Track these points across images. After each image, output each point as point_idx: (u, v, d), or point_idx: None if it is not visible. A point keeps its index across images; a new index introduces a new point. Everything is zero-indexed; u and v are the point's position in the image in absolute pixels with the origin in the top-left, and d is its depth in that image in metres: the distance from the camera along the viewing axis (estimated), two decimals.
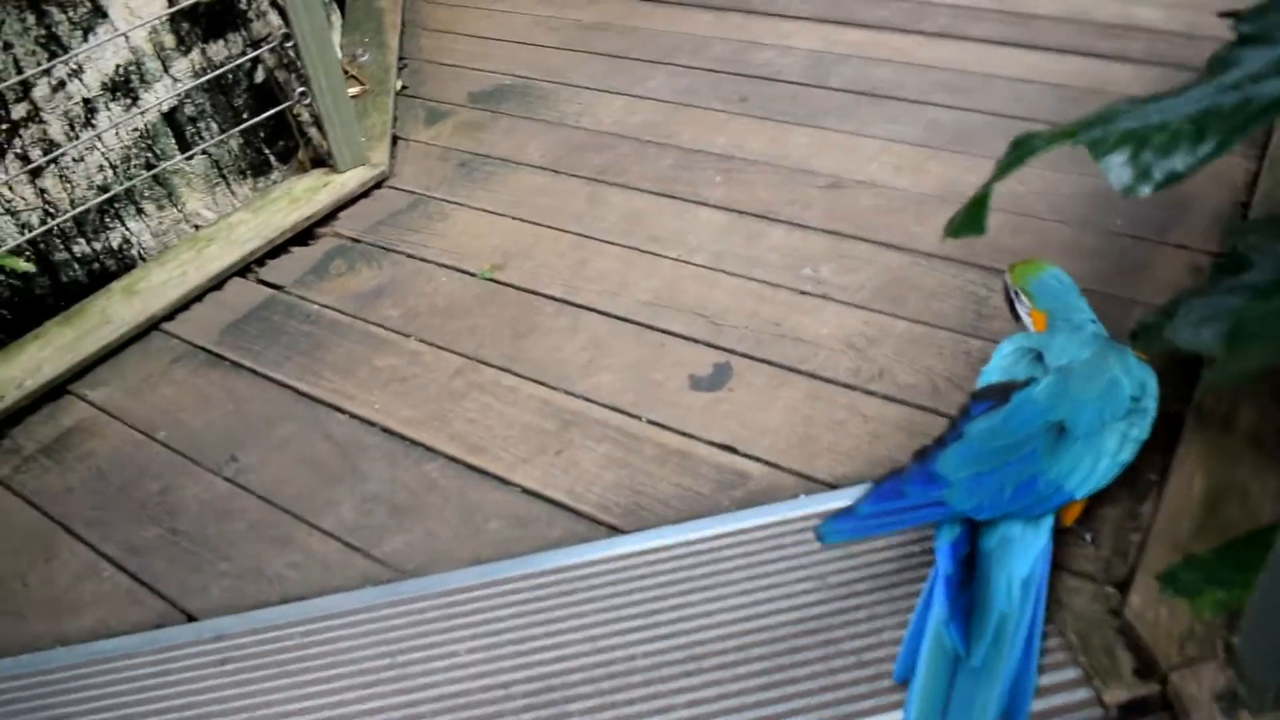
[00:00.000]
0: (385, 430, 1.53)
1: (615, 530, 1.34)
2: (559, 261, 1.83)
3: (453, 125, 2.33)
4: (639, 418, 1.49)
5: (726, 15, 2.63)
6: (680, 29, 2.60)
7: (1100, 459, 1.21)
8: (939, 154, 1.98)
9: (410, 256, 1.90)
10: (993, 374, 1.28)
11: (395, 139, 2.31)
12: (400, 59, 2.65)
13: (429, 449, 1.49)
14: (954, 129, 2.05)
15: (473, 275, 1.83)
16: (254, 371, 1.69)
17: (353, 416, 1.57)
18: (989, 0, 2.52)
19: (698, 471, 1.40)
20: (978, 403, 1.22)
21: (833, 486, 1.36)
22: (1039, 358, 1.27)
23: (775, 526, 1.30)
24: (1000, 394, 1.22)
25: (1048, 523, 1.18)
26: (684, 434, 1.46)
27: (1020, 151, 1.00)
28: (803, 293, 1.68)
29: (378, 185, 2.14)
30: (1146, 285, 1.60)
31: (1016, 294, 1.42)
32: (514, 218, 1.97)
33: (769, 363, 1.56)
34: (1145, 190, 0.90)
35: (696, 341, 1.61)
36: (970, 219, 1.05)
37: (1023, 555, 1.16)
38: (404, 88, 2.53)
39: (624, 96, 2.33)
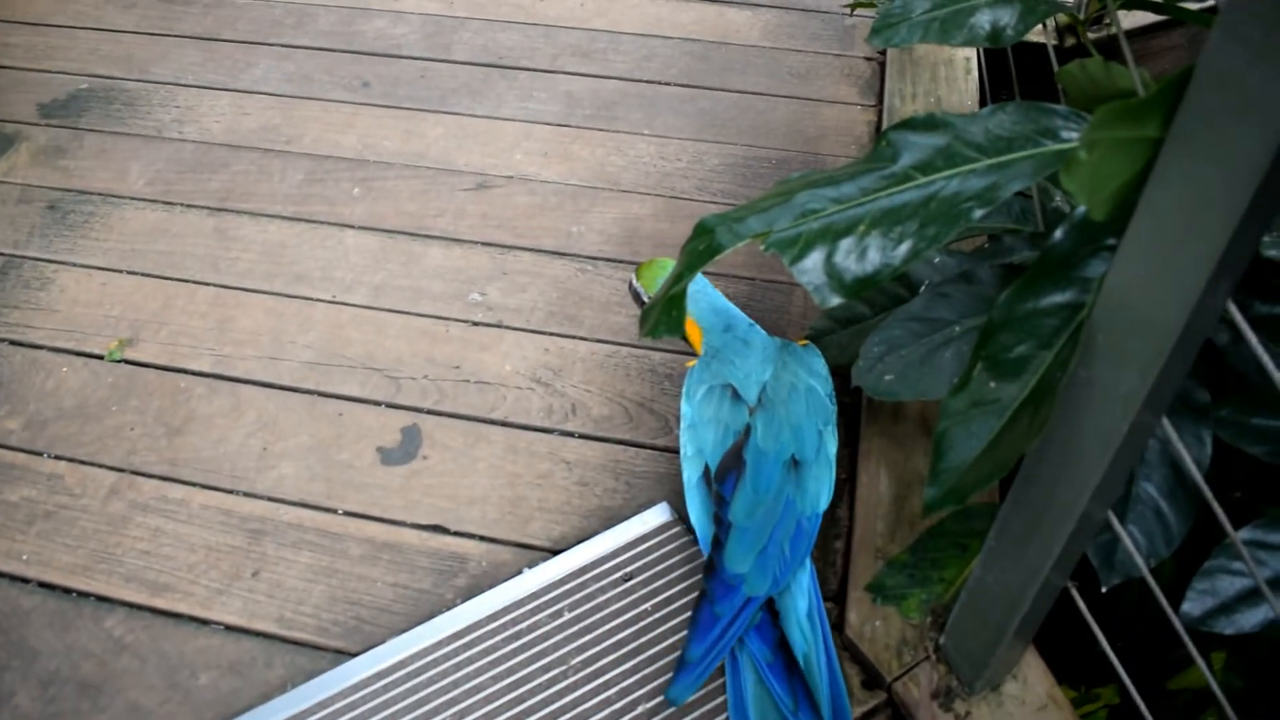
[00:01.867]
0: (44, 585, 1.33)
1: (341, 654, 1.25)
2: (199, 324, 1.64)
3: (27, 152, 1.99)
4: (335, 510, 1.39)
5: None
6: None
7: (831, 466, 1.26)
8: (581, 134, 1.94)
9: (15, 344, 1.63)
10: (704, 429, 1.28)
11: None
12: None
13: (103, 599, 1.32)
14: (591, 101, 2.01)
15: (100, 358, 1.60)
16: None
17: None
18: None
19: (413, 564, 1.33)
20: (723, 483, 1.22)
21: (553, 551, 1.34)
22: (735, 394, 1.29)
23: (506, 612, 1.27)
24: (734, 459, 1.23)
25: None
26: (388, 521, 1.38)
27: (709, 244, 0.97)
28: (475, 323, 1.61)
29: None
30: None
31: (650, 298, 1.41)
32: (133, 272, 1.73)
33: (458, 416, 1.49)
34: (835, 300, 0.91)
35: (376, 404, 1.51)
36: (668, 319, 1.02)
37: (799, 592, 1.21)
38: None
39: (228, 93, 2.09)
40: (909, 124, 1.03)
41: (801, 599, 1.20)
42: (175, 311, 1.66)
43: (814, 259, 0.94)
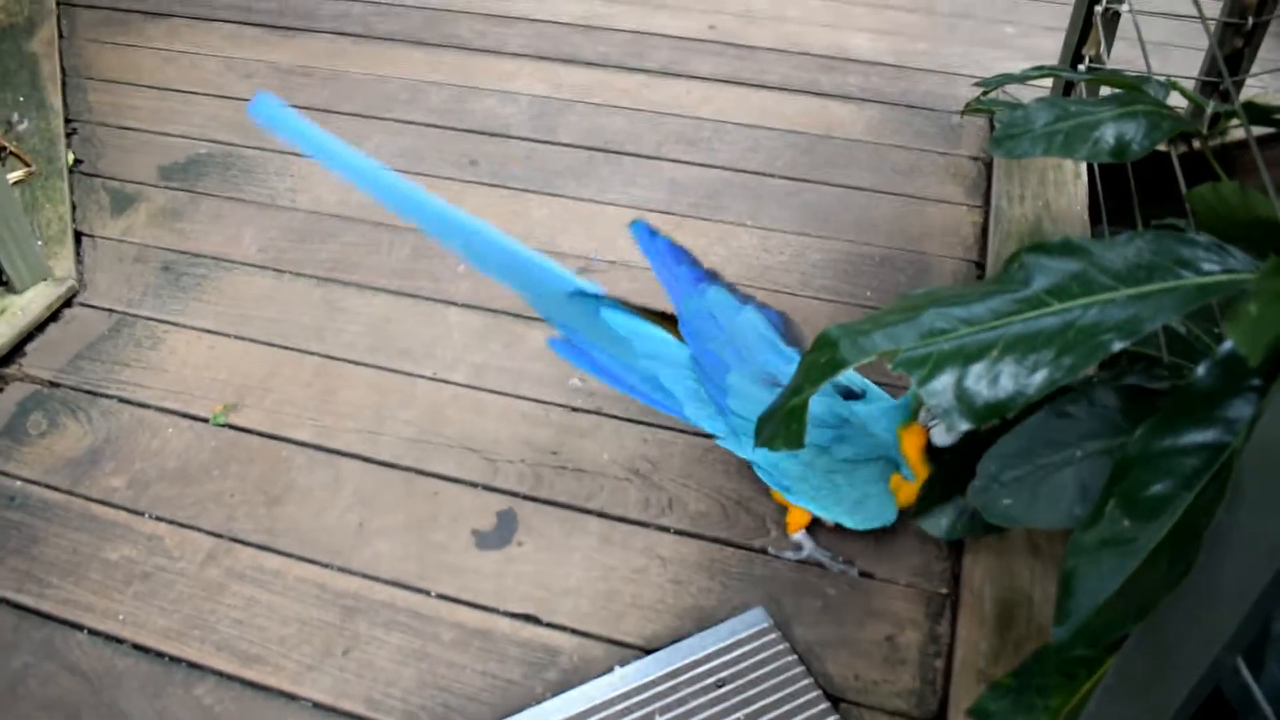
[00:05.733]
0: (138, 648, 1.34)
1: None
2: (303, 394, 1.66)
3: (146, 213, 2.05)
4: (427, 593, 1.39)
5: (440, 53, 2.47)
6: (391, 72, 2.41)
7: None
8: (686, 221, 1.95)
9: (125, 402, 1.67)
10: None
11: (79, 236, 2.01)
12: (68, 121, 2.31)
13: (195, 666, 1.32)
14: (696, 189, 2.02)
15: (204, 421, 1.62)
16: None
17: (95, 634, 1.36)
18: (707, 31, 2.50)
19: (504, 654, 1.32)
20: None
21: (645, 650, 1.31)
22: None
23: (596, 711, 1.25)
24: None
25: None
26: (480, 607, 1.37)
27: (832, 358, 0.96)
28: (575, 409, 1.61)
29: (67, 304, 1.85)
30: None
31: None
32: (240, 337, 1.77)
33: (555, 504, 1.48)
34: (964, 425, 0.89)
35: (473, 485, 1.51)
36: (788, 434, 1.01)
37: None
38: (78, 163, 2.21)
39: None
40: (1043, 248, 1.01)
41: None
42: (280, 379, 1.69)
43: (944, 381, 0.92)
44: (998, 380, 0.91)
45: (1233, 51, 1.92)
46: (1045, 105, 1.42)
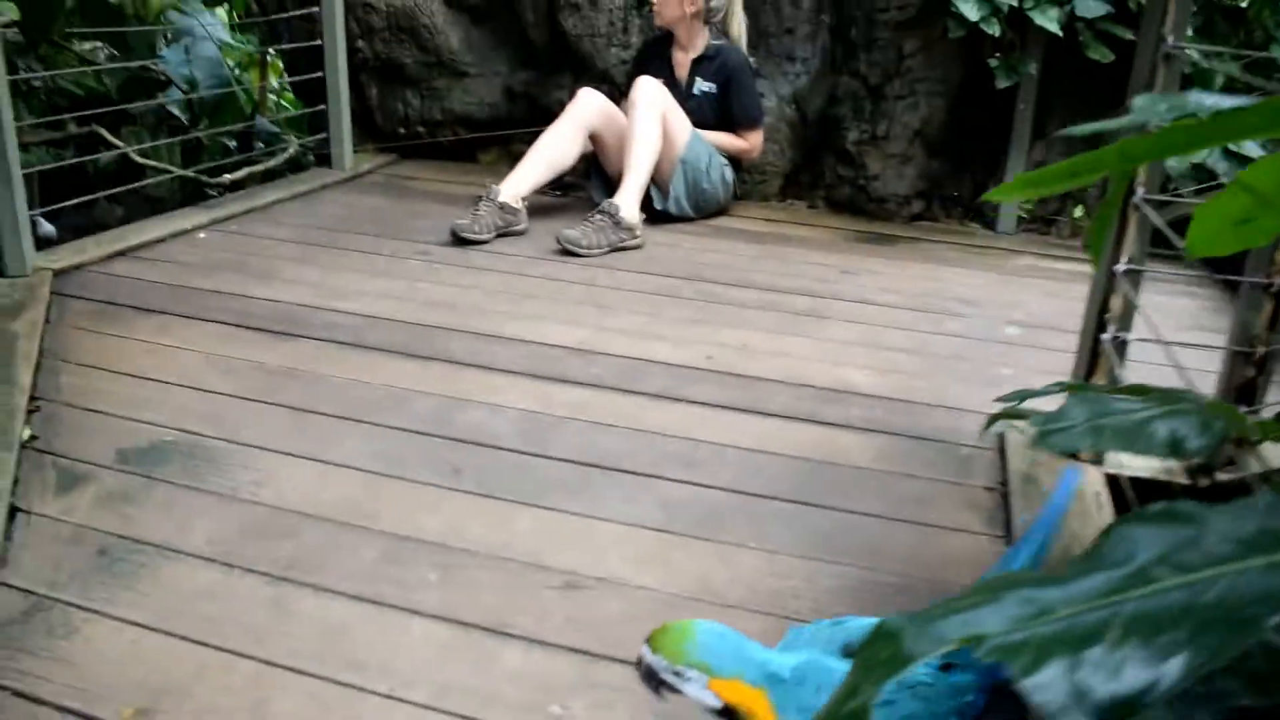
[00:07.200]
0: None
1: None
2: (229, 703, 1.40)
3: (93, 494, 1.87)
4: None
5: (430, 365, 2.41)
6: (377, 379, 2.33)
7: None
8: (684, 541, 1.78)
9: (19, 696, 1.39)
10: None
11: (14, 510, 1.81)
12: (32, 399, 2.18)
13: None
14: (695, 509, 1.88)
15: None
16: None
17: None
18: (704, 361, 2.47)
19: None
20: None
21: None
22: None
23: None
24: None
25: None
26: None
27: (895, 652, 0.77)
28: None
29: None
30: None
31: (677, 674, 1.17)
32: (169, 633, 1.53)
33: None
34: None
35: None
36: None
37: None
38: (32, 438, 2.05)
39: (313, 463, 2.00)
40: (1138, 518, 0.86)
41: None
42: (206, 684, 1.43)
43: (1052, 673, 0.73)
44: (1122, 669, 0.72)
45: (1244, 381, 1.86)
46: (1079, 401, 1.32)
